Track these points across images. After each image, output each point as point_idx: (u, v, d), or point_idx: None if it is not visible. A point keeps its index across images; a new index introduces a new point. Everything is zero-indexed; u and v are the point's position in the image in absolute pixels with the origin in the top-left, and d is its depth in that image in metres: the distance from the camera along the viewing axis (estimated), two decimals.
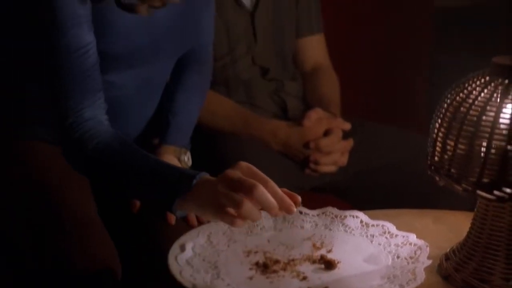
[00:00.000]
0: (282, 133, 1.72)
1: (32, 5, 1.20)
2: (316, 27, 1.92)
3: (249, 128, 1.73)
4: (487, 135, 0.92)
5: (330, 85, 1.89)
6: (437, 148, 0.99)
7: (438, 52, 2.60)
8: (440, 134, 0.98)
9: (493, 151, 0.92)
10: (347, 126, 1.73)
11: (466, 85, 0.97)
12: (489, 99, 0.93)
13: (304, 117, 1.72)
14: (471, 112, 0.94)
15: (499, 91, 0.93)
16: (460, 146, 0.94)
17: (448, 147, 0.97)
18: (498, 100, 0.93)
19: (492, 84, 0.95)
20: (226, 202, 0.99)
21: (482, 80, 0.96)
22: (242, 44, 1.79)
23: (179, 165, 1.43)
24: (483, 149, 0.92)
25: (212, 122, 1.73)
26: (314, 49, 1.94)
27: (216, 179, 1.04)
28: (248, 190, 0.98)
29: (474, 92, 0.95)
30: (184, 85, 1.51)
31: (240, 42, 1.78)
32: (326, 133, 1.71)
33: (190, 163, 1.50)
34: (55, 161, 1.33)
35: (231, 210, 0.99)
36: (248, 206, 0.97)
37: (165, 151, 1.45)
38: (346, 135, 1.73)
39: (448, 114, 0.97)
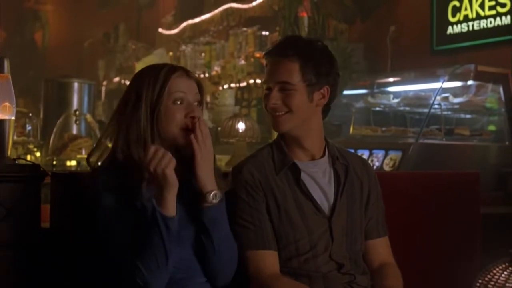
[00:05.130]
0: None
1: (93, 207, 1.89)
2: (382, 231, 2.26)
3: None
4: None
5: (394, 280, 2.18)
6: None
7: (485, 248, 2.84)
8: None
9: None
10: None
11: (492, 269, 1.36)
12: (508, 280, 1.31)
13: None
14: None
15: None
16: None
17: None
18: None
19: (510, 269, 1.33)
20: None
21: (503, 266, 1.35)
22: (321, 243, 2.11)
23: None
24: None
25: None
26: (380, 249, 2.24)
27: None
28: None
29: (497, 274, 1.33)
30: None
31: (320, 241, 2.11)
32: None
33: None
34: None
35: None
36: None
37: None
38: None
39: None
